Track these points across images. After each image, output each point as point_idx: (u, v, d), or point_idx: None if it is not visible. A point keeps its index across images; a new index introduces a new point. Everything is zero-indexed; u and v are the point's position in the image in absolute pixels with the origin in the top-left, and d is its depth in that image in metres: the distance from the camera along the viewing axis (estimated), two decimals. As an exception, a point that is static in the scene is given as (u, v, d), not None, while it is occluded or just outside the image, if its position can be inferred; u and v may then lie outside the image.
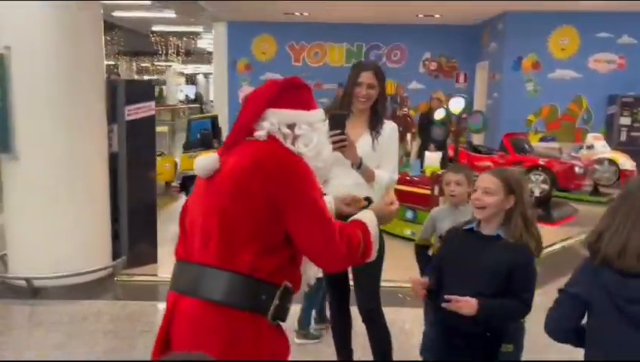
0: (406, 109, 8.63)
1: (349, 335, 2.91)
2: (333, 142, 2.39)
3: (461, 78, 11.92)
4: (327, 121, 2.51)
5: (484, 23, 11.11)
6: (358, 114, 2.71)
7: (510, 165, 8.03)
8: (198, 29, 13.94)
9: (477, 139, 10.71)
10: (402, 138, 8.80)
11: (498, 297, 1.97)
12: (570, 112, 10.26)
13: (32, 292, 4.23)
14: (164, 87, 27.88)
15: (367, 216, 1.79)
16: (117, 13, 10.71)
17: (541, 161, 7.41)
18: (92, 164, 4.46)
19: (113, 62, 23.47)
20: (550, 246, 5.89)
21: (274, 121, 1.64)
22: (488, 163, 7.44)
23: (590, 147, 8.50)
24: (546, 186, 7.24)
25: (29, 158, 4.18)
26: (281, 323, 1.67)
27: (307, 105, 1.71)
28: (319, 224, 1.59)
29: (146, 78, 29.85)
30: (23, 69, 4.08)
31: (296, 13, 10.69)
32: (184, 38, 15.42)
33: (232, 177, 1.58)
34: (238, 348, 1.51)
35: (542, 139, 9.05)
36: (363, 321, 2.72)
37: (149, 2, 9.88)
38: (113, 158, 4.65)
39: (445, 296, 1.98)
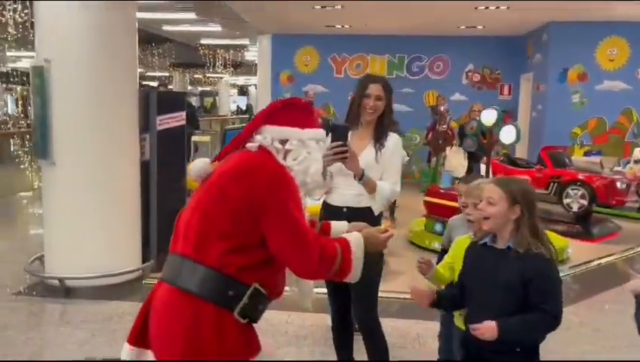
0: (445, 125, 8.50)
1: (350, 343, 2.93)
2: (335, 153, 2.46)
3: (505, 90, 11.67)
4: (330, 132, 2.58)
5: (529, 34, 10.87)
6: (366, 125, 2.76)
7: (547, 179, 7.82)
8: (245, 41, 14.29)
9: (520, 152, 10.45)
10: (442, 150, 8.72)
11: (521, 311, 1.92)
12: (619, 125, 9.85)
13: (65, 291, 4.46)
14: (217, 98, 28.69)
15: (354, 236, 1.87)
16: (166, 27, 11.16)
17: (580, 176, 7.17)
18: (124, 171, 4.68)
19: (167, 74, 24.38)
20: (587, 263, 5.71)
21: (267, 135, 1.77)
22: (525, 176, 7.25)
23: (638, 161, 8.14)
24: (584, 202, 6.98)
25: (65, 164, 4.43)
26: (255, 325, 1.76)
27: (303, 123, 1.84)
28: (291, 230, 1.69)
29: (199, 89, 30.86)
30: (62, 81, 4.33)
31: (338, 26, 10.81)
32: (231, 51, 15.85)
33: (217, 180, 1.74)
34: (199, 337, 1.61)
35: (586, 153, 8.72)
36: (359, 330, 2.74)
37: (195, 16, 10.24)
38: (145, 166, 4.86)
39: (469, 326, 1.98)
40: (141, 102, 4.75)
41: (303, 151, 1.79)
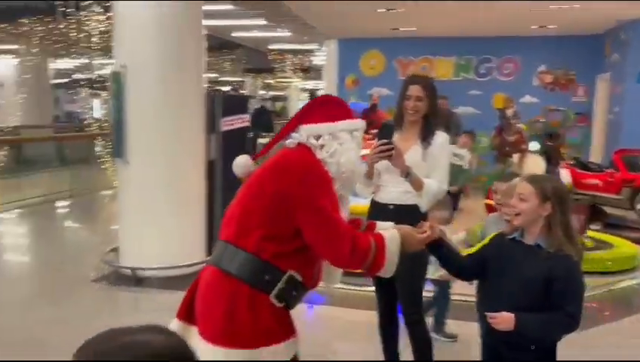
0: (512, 137, 8.22)
1: (396, 339, 2.99)
2: (381, 151, 2.55)
3: (580, 91, 11.17)
4: (378, 131, 2.69)
5: (606, 33, 10.37)
6: (409, 126, 2.83)
7: (620, 184, 7.44)
8: (313, 46, 14.56)
9: (594, 156, 10.00)
10: (508, 156, 8.51)
11: (537, 310, 1.93)
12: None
13: (136, 281, 4.81)
14: (287, 102, 29.29)
15: (390, 233, 1.95)
16: (235, 34, 11.59)
17: (656, 180, 6.79)
18: (192, 169, 4.97)
19: (240, 79, 25.18)
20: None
21: (303, 133, 1.91)
22: (596, 181, 6.98)
23: None
24: (659, 207, 6.61)
25: (138, 163, 4.78)
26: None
27: (333, 117, 1.95)
28: (323, 223, 1.80)
29: (270, 93, 31.62)
30: (136, 86, 4.68)
31: (403, 28, 10.81)
32: (299, 56, 16.18)
33: (257, 174, 1.90)
34: (236, 315, 1.76)
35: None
36: (405, 324, 2.80)
37: (264, 22, 10.58)
38: (210, 165, 5.14)
39: (486, 314, 1.99)
40: (207, 105, 5.04)
41: (334, 143, 1.89)
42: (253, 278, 1.79)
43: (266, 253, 1.79)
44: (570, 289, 1.93)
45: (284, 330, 1.85)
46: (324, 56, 13.72)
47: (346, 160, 1.90)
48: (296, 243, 1.82)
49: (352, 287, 4.40)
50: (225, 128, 5.09)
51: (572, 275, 1.94)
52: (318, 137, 1.90)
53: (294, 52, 15.67)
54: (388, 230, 1.97)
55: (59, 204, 9.03)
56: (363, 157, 2.52)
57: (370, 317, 3.14)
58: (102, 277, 5.02)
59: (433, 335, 3.46)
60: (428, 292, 3.42)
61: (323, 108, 1.98)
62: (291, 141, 1.91)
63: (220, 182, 5.17)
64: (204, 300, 1.85)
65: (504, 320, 1.92)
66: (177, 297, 4.68)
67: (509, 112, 8.57)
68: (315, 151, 1.89)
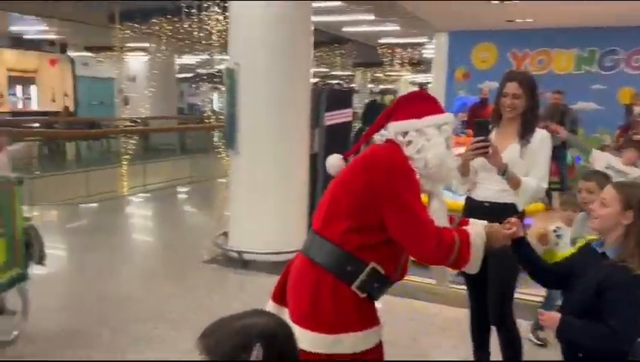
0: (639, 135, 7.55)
1: (487, 338, 2.97)
2: (476, 148, 2.56)
3: None
4: (474, 128, 2.69)
5: None
6: (508, 123, 2.78)
7: None
8: (422, 39, 14.37)
9: None
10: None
11: (589, 316, 1.86)
12: None
13: (242, 263, 5.15)
14: (396, 96, 29.14)
15: (475, 229, 1.97)
16: (345, 29, 11.78)
17: None
18: (296, 162, 5.22)
19: (349, 74, 25.47)
20: None
21: (390, 131, 1.98)
22: None
23: None
24: None
25: (248, 154, 5.11)
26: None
27: (420, 113, 1.98)
28: (407, 218, 1.86)
29: (379, 87, 31.60)
30: (248, 81, 5.00)
31: (519, 20, 10.33)
32: (409, 49, 16.04)
33: (347, 170, 2.01)
34: (319, 302, 1.89)
35: None
36: (493, 323, 2.78)
37: (373, 17, 10.66)
38: (313, 158, 5.35)
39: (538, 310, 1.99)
40: (313, 100, 5.24)
41: (421, 139, 1.93)
42: (336, 268, 1.89)
43: (351, 245, 1.88)
44: (618, 301, 1.81)
45: (366, 320, 1.94)
46: (433, 49, 13.50)
47: (433, 155, 1.92)
48: (380, 237, 1.89)
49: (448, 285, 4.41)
50: (328, 123, 5.27)
51: (625, 288, 1.81)
52: (404, 134, 1.95)
53: (404, 45, 15.57)
54: (473, 226, 1.99)
55: (179, 189, 9.82)
56: (459, 155, 2.53)
57: (464, 315, 3.15)
58: (213, 258, 5.43)
59: (528, 336, 3.39)
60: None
61: (410, 105, 2.02)
62: (380, 138, 1.99)
63: (321, 175, 5.37)
64: (293, 286, 1.99)
65: (550, 319, 1.89)
66: (267, 281, 4.95)
67: (638, 109, 7.89)
68: (403, 147, 1.94)
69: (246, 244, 5.19)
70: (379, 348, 2.01)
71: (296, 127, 5.15)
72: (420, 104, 2.02)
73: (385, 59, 17.09)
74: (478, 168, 2.75)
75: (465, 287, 2.99)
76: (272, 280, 4.79)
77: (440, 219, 1.97)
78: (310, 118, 5.25)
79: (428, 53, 16.98)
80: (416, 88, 33.01)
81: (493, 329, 2.89)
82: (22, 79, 19.45)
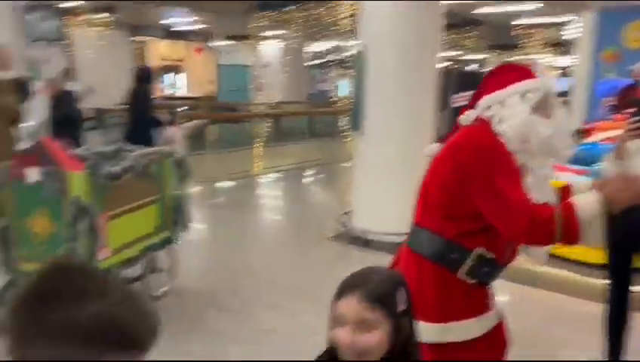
0: None
1: (623, 329, 2.80)
2: (633, 129, 2.42)
3: None
4: (631, 107, 2.52)
5: None
6: None
7: None
8: (564, 19, 13.34)
9: None
10: None
11: None
12: None
13: (364, 242, 5.29)
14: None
15: (583, 195, 1.76)
16: (478, 10, 11.30)
17: None
18: (421, 145, 5.16)
19: (483, 56, 24.40)
20: None
21: (477, 109, 1.88)
22: None
23: None
24: None
25: (374, 136, 5.19)
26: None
27: (504, 84, 1.85)
28: (495, 198, 1.74)
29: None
30: (377, 64, 5.07)
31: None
32: (548, 29, 14.97)
33: (438, 156, 1.94)
34: (422, 291, 1.81)
35: None
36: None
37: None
38: (440, 141, 5.27)
39: None
40: (440, 82, 5.18)
41: (501, 110, 1.82)
42: (437, 256, 1.87)
43: (450, 232, 1.84)
44: None
45: (477, 306, 1.91)
46: (576, 29, 12.49)
47: (510, 125, 1.78)
48: (478, 224, 1.81)
49: (581, 276, 4.19)
50: (456, 105, 5.18)
51: None
52: (489, 108, 1.85)
53: (541, 26, 14.56)
54: (585, 195, 1.76)
55: (307, 171, 10.21)
56: (611, 138, 2.37)
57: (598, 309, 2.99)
58: (337, 236, 5.64)
59: None
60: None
61: (494, 78, 1.91)
62: (466, 118, 1.91)
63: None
64: (400, 271, 2.03)
65: None
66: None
67: None
68: (490, 123, 1.83)
69: (369, 224, 5.31)
70: (494, 333, 1.96)
71: (422, 109, 5.13)
72: (505, 75, 1.89)
73: (521, 41, 16.13)
74: (634, 151, 2.54)
75: (603, 281, 2.83)
76: (382, 259, 4.91)
77: (538, 195, 1.78)
78: (438, 101, 5.19)
79: (569, 33, 15.73)
80: (555, 70, 30.76)
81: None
82: (171, 67, 21.39)
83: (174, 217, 3.87)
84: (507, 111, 1.81)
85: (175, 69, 21.79)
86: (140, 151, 3.68)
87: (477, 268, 1.85)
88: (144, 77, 6.53)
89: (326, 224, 6.03)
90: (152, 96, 6.74)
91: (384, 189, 5.21)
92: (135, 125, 6.31)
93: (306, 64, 18.83)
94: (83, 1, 12.52)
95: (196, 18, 15.73)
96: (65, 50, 13.40)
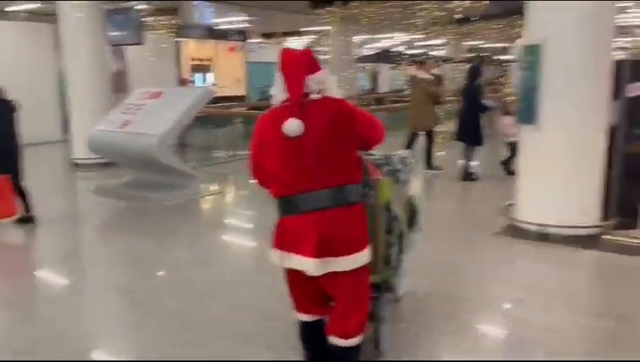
0: None
1: None
2: None
3: None
4: None
5: None
6: None
7: None
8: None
9: None
10: None
11: None
12: None
13: (540, 236, 5.23)
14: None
15: None
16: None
17: None
18: (593, 135, 5.16)
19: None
20: None
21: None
22: None
23: None
24: None
25: (548, 129, 5.15)
26: None
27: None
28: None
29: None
30: (551, 55, 5.02)
31: None
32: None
33: None
34: None
35: None
36: None
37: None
38: (612, 131, 5.27)
39: None
40: (615, 72, 5.14)
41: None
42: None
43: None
44: None
45: None
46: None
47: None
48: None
49: None
50: (632, 94, 5.14)
51: None
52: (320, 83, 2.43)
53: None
54: None
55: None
56: None
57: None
58: (503, 229, 5.61)
59: None
60: None
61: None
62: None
63: (619, 150, 5.27)
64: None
65: None
66: (576, 254, 4.97)
67: None
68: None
69: (539, 217, 5.28)
70: None
71: (596, 99, 5.10)
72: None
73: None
74: None
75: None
76: (566, 252, 4.85)
77: None
78: (611, 90, 5.16)
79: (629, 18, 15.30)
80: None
81: None
82: (201, 67, 21.17)
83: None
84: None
85: (205, 68, 21.58)
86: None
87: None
88: (477, 73, 8.05)
89: (490, 218, 5.96)
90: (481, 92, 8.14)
91: (556, 181, 5.18)
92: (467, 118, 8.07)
93: (353, 58, 17.94)
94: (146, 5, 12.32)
95: (229, 17, 15.44)
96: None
